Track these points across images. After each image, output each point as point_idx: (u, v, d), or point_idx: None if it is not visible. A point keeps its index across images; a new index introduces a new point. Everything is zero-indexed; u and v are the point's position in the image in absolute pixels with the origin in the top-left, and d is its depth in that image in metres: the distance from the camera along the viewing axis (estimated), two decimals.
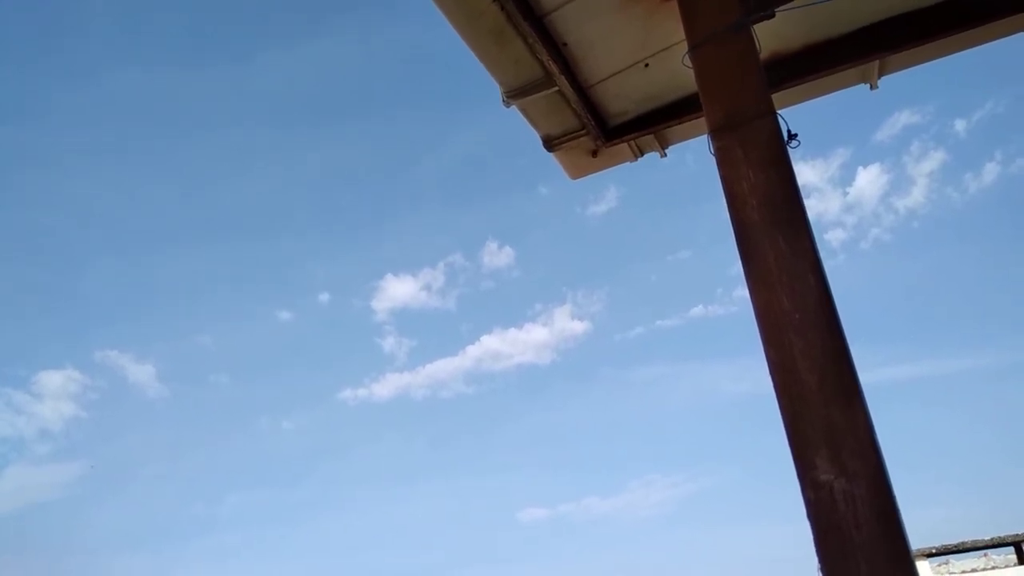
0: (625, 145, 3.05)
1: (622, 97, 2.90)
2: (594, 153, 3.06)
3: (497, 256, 45.83)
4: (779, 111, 1.98)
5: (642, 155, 3.12)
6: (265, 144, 45.43)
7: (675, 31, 2.37)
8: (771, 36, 2.56)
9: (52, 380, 42.33)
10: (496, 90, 2.66)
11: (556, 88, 2.64)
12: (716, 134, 2.00)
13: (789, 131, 2.03)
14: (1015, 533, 17.62)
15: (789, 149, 1.96)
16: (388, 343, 44.62)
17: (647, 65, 2.74)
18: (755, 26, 2.05)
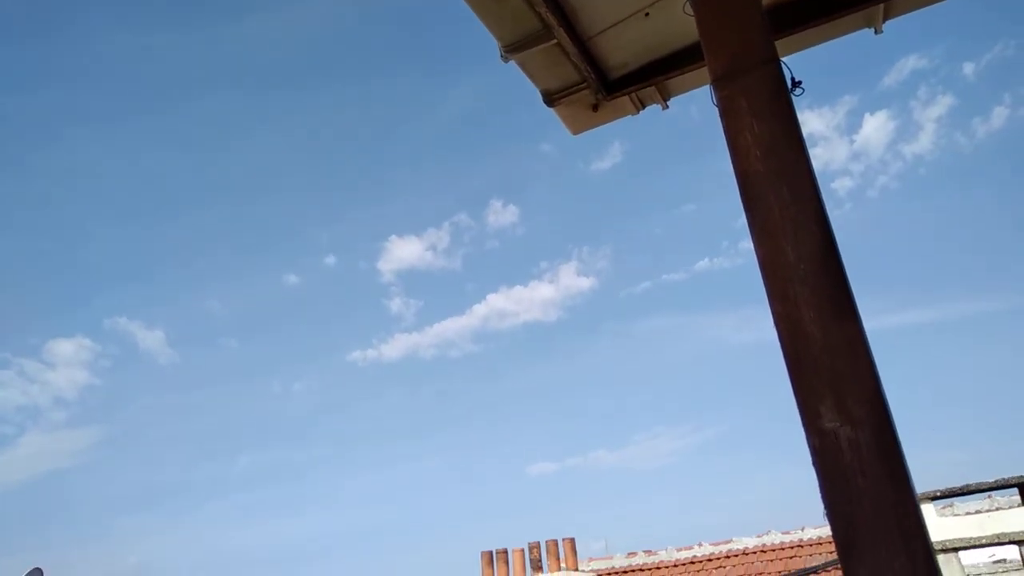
0: (626, 98, 3.01)
1: (622, 48, 2.85)
2: (595, 107, 3.02)
3: (502, 214, 45.68)
4: (783, 58, 1.94)
5: (644, 108, 3.08)
6: (264, 106, 44.94)
7: None
8: None
9: (63, 348, 42.79)
10: (495, 44, 2.62)
11: (555, 41, 2.59)
12: (718, 84, 1.96)
13: (793, 79, 2.00)
14: (1020, 475, 17.82)
15: (793, 97, 1.93)
16: (395, 304, 44.82)
17: (647, 14, 2.68)
18: None
